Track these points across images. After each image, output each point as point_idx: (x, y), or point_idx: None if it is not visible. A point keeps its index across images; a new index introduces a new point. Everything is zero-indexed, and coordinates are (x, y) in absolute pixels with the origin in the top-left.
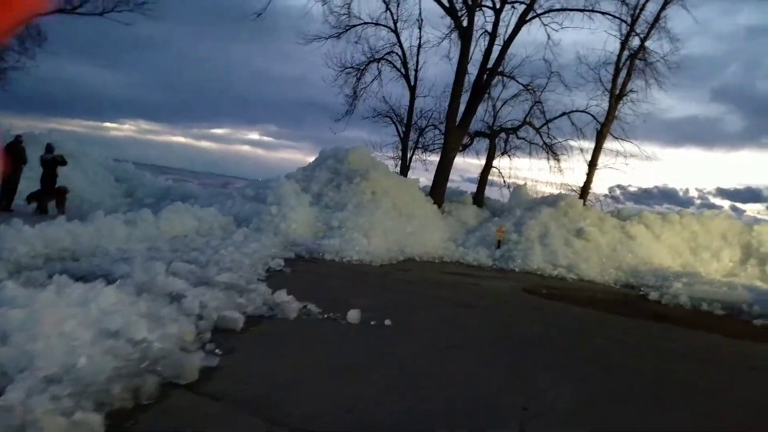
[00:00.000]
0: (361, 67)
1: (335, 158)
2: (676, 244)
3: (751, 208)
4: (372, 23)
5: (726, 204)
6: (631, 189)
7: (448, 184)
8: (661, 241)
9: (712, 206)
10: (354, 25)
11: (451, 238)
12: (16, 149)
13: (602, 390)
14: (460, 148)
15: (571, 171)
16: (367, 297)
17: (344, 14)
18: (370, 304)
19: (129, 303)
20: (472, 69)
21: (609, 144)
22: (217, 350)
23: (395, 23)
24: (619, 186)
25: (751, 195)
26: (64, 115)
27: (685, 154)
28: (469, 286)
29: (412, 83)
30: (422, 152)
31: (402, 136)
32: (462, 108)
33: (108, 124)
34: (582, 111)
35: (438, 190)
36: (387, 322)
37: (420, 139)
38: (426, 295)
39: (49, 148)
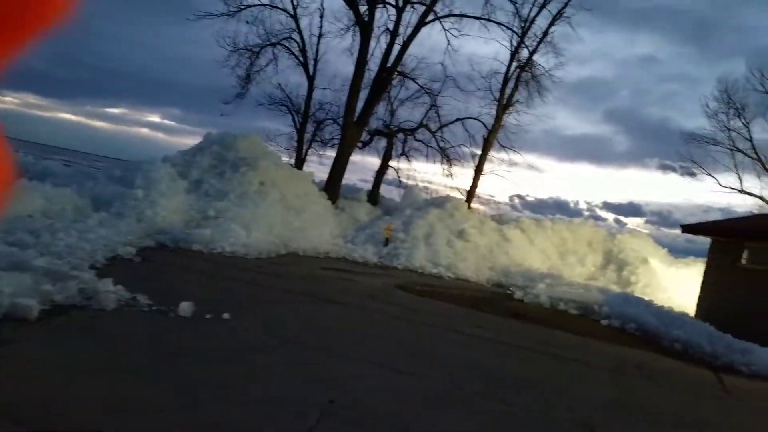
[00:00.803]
0: (256, 50)
1: (221, 144)
2: (546, 248)
3: (632, 222)
4: (269, 5)
5: (611, 216)
6: (529, 199)
7: (345, 181)
8: (534, 245)
9: (599, 218)
10: (249, 6)
11: (341, 235)
12: None
13: (424, 385)
14: (359, 145)
15: (462, 175)
16: (218, 290)
17: None
18: (218, 297)
19: None
20: (374, 66)
21: (499, 153)
22: None
23: (295, 8)
24: (518, 195)
25: (633, 210)
26: None
27: (579, 169)
28: (342, 281)
29: (311, 73)
30: (320, 146)
31: (298, 127)
32: (361, 105)
33: None
34: (473, 118)
35: (333, 186)
36: (225, 315)
37: (317, 133)
38: (289, 290)
39: None
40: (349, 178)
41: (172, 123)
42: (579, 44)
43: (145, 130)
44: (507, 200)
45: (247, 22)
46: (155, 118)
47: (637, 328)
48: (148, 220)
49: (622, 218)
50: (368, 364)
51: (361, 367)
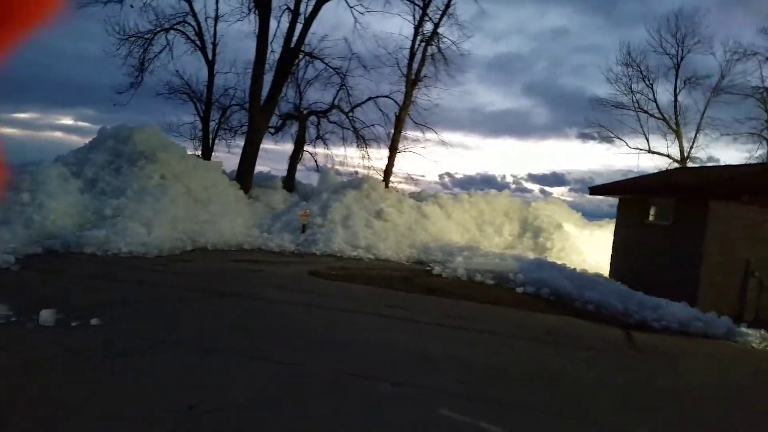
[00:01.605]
0: (148, 36)
1: (117, 138)
2: (464, 221)
3: (557, 191)
4: None
5: (536, 188)
6: (458, 176)
7: (259, 169)
8: (452, 219)
9: (525, 190)
10: None
11: (256, 225)
12: None
13: (308, 377)
14: (271, 131)
15: (380, 157)
16: (98, 294)
17: None
18: (95, 302)
19: None
20: (277, 47)
21: (414, 131)
22: None
23: None
24: (447, 174)
25: (556, 179)
26: None
27: (503, 144)
28: (249, 273)
29: (210, 57)
30: (228, 134)
31: (202, 115)
32: (268, 88)
33: None
34: (385, 96)
35: (244, 174)
36: (94, 321)
37: (224, 120)
38: (184, 288)
39: None
40: (264, 165)
41: (87, 124)
42: (494, 20)
43: (58, 134)
44: (437, 179)
45: (132, 6)
46: (68, 121)
47: (551, 293)
48: (37, 225)
49: (546, 188)
50: (253, 360)
51: (244, 363)
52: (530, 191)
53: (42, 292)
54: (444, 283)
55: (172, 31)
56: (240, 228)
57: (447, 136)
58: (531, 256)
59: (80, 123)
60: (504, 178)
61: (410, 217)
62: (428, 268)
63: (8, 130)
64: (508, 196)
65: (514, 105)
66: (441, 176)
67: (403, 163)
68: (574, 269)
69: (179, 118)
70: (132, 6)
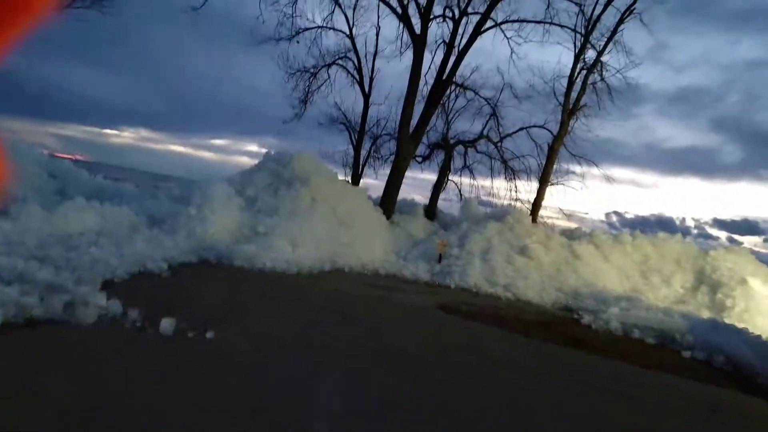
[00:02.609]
0: (314, 71)
1: (278, 162)
2: (625, 267)
3: (749, 240)
4: (326, 27)
5: (723, 235)
6: (628, 216)
7: (404, 196)
8: (610, 262)
9: (709, 237)
10: (307, 29)
11: (395, 251)
12: None
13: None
14: (418, 160)
15: (528, 188)
16: (226, 305)
17: (296, 16)
18: (219, 313)
19: None
20: (430, 78)
21: (571, 164)
22: None
23: (351, 29)
24: (615, 212)
25: (748, 227)
26: (62, 120)
27: (684, 183)
28: (378, 300)
29: (367, 90)
30: (376, 162)
31: (355, 144)
32: (418, 118)
33: (108, 131)
34: (539, 126)
35: (388, 200)
36: (209, 334)
37: (373, 148)
38: (306, 306)
39: None
40: (409, 193)
41: (267, 150)
42: (675, 51)
43: (244, 159)
44: (603, 218)
45: (297, 42)
46: (253, 147)
47: (727, 362)
48: (198, 236)
49: (736, 236)
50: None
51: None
52: (716, 238)
53: (176, 300)
54: (592, 336)
55: (334, 66)
56: (378, 253)
57: (616, 171)
58: (705, 314)
59: (263, 150)
60: (684, 222)
61: (559, 257)
62: (575, 317)
63: (206, 153)
64: (680, 241)
65: (699, 141)
66: (608, 215)
67: (557, 198)
68: (759, 336)
69: (335, 146)
70: (297, 42)
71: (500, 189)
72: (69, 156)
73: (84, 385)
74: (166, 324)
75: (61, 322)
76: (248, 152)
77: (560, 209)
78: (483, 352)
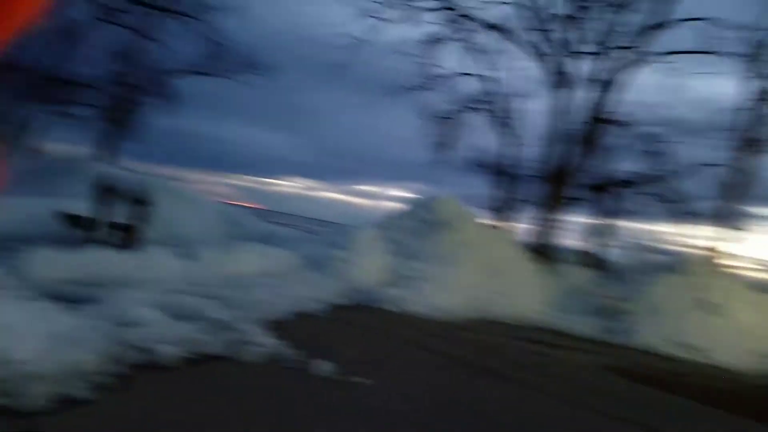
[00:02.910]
0: (453, 116)
1: (423, 207)
2: None
3: None
4: (462, 73)
5: None
6: None
7: (558, 242)
8: None
9: None
10: (445, 75)
11: (551, 302)
12: (108, 186)
13: None
14: (575, 203)
15: (710, 233)
16: (378, 350)
17: (433, 64)
18: (371, 357)
19: (60, 324)
20: (580, 115)
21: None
22: (110, 383)
23: (489, 72)
24: None
25: None
26: (233, 171)
27: None
28: (531, 355)
29: (509, 132)
30: (525, 205)
31: (501, 187)
32: (568, 158)
33: (275, 181)
34: (715, 165)
35: (542, 247)
36: (359, 379)
37: (521, 191)
38: (456, 358)
39: (136, 187)
40: (567, 239)
41: (414, 196)
42: None
43: (392, 203)
44: None
45: (433, 89)
46: (400, 192)
47: None
48: (348, 279)
49: None
50: None
51: None
52: None
53: (331, 341)
54: None
55: (473, 110)
56: (533, 303)
57: None
58: None
59: (409, 194)
60: None
61: (758, 313)
62: None
63: (358, 199)
64: None
65: None
66: None
67: (747, 244)
68: None
69: (479, 189)
70: (433, 89)
71: (673, 234)
72: (243, 203)
73: (237, 420)
74: (324, 365)
75: (227, 358)
76: (395, 197)
77: (753, 257)
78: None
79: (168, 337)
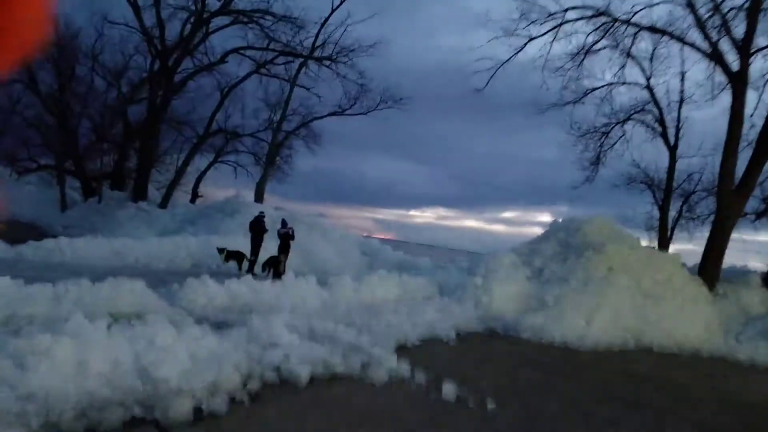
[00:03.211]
0: (606, 130)
1: (566, 230)
2: None
3: None
4: (618, 83)
5: None
6: None
7: (730, 263)
8: None
9: None
10: (596, 88)
11: (722, 328)
12: (259, 224)
13: None
14: (751, 218)
15: None
16: (510, 378)
17: (583, 77)
18: (503, 387)
19: (208, 347)
20: (758, 119)
21: None
22: (245, 400)
23: (648, 79)
24: None
25: None
26: (372, 205)
27: None
28: (697, 389)
29: (672, 143)
30: (690, 223)
31: (660, 204)
32: (743, 168)
33: (411, 212)
34: None
35: (710, 268)
36: (490, 405)
37: (685, 208)
38: (604, 394)
39: (284, 223)
40: (738, 258)
41: (557, 219)
42: None
43: (535, 229)
44: None
45: (583, 103)
46: (544, 218)
47: None
48: (484, 306)
49: None
50: None
51: None
52: None
53: (459, 368)
54: None
55: (629, 122)
56: (698, 330)
57: None
58: None
59: (553, 218)
60: None
61: None
62: None
63: (497, 227)
64: None
65: None
66: None
67: None
68: None
69: (634, 208)
70: (583, 103)
71: None
72: (382, 236)
73: None
74: (449, 389)
75: (357, 379)
76: (538, 222)
77: None
78: None
79: (301, 358)
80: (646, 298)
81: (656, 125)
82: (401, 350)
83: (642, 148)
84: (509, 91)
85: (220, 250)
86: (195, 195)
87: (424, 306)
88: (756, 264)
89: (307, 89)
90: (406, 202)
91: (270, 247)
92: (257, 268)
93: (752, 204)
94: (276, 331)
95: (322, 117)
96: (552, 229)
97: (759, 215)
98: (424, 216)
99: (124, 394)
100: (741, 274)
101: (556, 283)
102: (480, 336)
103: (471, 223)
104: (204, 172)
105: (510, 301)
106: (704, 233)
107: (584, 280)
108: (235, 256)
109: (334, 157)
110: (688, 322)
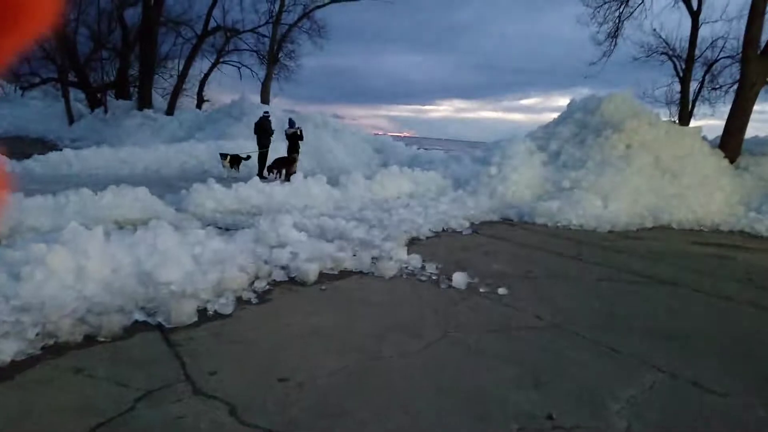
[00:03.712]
0: None
1: (584, 110)
2: None
3: None
4: None
5: None
6: None
7: (753, 133)
8: None
9: None
10: None
11: (742, 201)
12: (264, 124)
13: None
14: None
15: None
16: (521, 264)
17: None
18: (513, 271)
19: (213, 249)
20: None
21: None
22: (252, 299)
23: None
24: None
25: None
26: (389, 102)
27: None
28: (711, 260)
29: (695, 6)
30: (713, 94)
31: (682, 75)
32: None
33: (427, 107)
34: None
35: (732, 140)
36: (501, 290)
37: (708, 77)
38: (615, 268)
39: (291, 123)
40: (761, 129)
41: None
42: None
43: (555, 114)
44: None
45: None
46: (564, 101)
47: None
48: (499, 195)
49: None
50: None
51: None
52: None
53: (470, 257)
54: None
55: None
56: (718, 205)
57: None
58: None
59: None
60: None
61: None
62: None
63: (515, 116)
64: None
65: None
66: None
67: None
68: None
69: (654, 83)
70: None
71: None
72: (397, 134)
73: (363, 325)
74: (459, 278)
75: (367, 273)
76: (559, 107)
77: None
78: None
79: (310, 255)
80: (664, 175)
81: None
82: (413, 243)
83: (662, 17)
84: None
85: (223, 156)
86: (201, 100)
87: (438, 200)
88: None
89: None
90: (422, 96)
91: (280, 149)
92: (265, 171)
93: None
94: (284, 231)
95: (324, 5)
96: (569, 110)
97: None
98: (440, 110)
99: (125, 300)
100: (764, 144)
101: (572, 167)
102: (494, 225)
103: (489, 114)
104: (207, 75)
105: (526, 188)
106: (726, 106)
107: (602, 160)
108: (239, 160)
109: (347, 53)
110: (709, 196)
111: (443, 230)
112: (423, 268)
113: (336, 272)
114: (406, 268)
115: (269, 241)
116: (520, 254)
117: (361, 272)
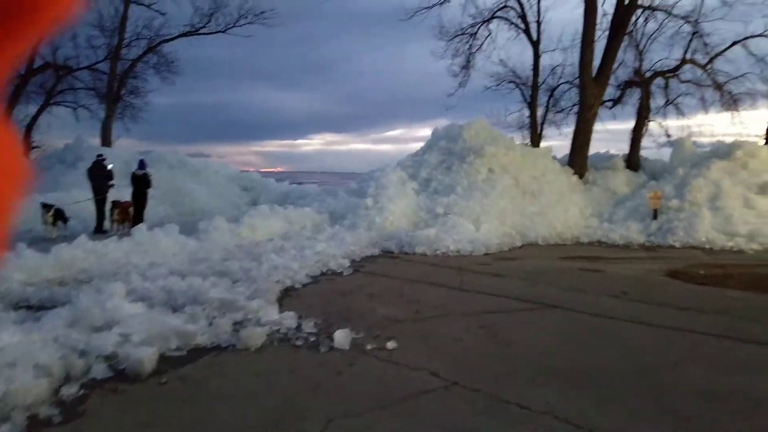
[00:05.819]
0: (473, 31)
1: (447, 137)
2: None
3: None
4: None
5: None
6: None
7: (595, 150)
8: None
9: None
10: None
11: (594, 213)
12: (98, 169)
13: None
14: (609, 105)
15: (757, 115)
16: (407, 304)
17: None
18: (400, 315)
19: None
20: (609, 8)
21: None
22: (54, 416)
23: None
24: None
25: None
26: (260, 139)
27: None
28: (581, 274)
29: (535, 38)
30: (557, 116)
31: (529, 101)
32: (600, 56)
33: (300, 141)
34: (761, 35)
35: (578, 157)
36: (390, 344)
37: (552, 102)
38: (500, 295)
39: (141, 165)
40: (602, 146)
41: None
42: None
43: (419, 144)
44: None
45: (449, 1)
46: (426, 132)
47: None
48: (378, 227)
49: None
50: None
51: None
52: None
53: (355, 304)
54: None
55: (494, 20)
56: (575, 219)
57: None
58: None
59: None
60: None
61: None
62: None
63: (383, 147)
64: None
65: None
66: None
67: None
68: None
69: (506, 110)
70: (449, 1)
71: (718, 123)
72: (272, 169)
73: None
74: (341, 337)
75: (226, 347)
76: (422, 137)
77: None
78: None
79: (147, 336)
80: (525, 195)
81: (519, 21)
82: (287, 296)
83: (508, 48)
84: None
85: (46, 208)
86: (29, 147)
87: (315, 238)
88: (616, 150)
89: (147, 6)
90: (294, 131)
91: (127, 196)
92: (106, 223)
93: (609, 92)
94: (113, 304)
95: (172, 38)
96: (434, 138)
97: (616, 102)
98: (313, 143)
99: None
100: (606, 160)
101: (443, 192)
102: (375, 260)
103: (359, 146)
104: (35, 119)
105: (402, 217)
106: (570, 127)
107: (468, 185)
108: (63, 215)
109: (214, 90)
110: (565, 212)
111: (322, 273)
112: (299, 328)
113: (184, 352)
114: (278, 331)
115: (92, 321)
116: (404, 292)
117: (218, 347)
